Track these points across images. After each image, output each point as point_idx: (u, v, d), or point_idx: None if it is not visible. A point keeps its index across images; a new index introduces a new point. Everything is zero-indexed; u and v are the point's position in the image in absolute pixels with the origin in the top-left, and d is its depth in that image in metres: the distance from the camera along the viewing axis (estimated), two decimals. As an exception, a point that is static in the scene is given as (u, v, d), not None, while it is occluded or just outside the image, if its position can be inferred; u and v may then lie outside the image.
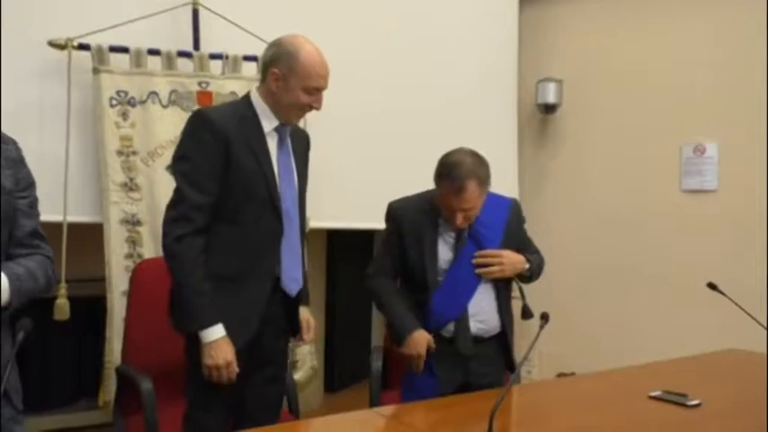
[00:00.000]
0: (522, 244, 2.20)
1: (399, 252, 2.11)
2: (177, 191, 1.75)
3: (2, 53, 2.52)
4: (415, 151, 3.28)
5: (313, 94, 1.79)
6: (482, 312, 2.06)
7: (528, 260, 2.12)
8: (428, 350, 1.98)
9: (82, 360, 3.29)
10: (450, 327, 2.04)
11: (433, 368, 2.01)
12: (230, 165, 1.73)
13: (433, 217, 2.07)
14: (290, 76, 1.75)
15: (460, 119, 3.42)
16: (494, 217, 2.12)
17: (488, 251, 2.04)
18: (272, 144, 1.82)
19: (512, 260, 2.07)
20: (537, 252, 2.24)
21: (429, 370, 2.01)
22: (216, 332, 1.70)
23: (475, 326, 2.05)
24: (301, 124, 2.95)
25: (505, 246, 2.10)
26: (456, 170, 1.94)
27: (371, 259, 2.27)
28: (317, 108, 1.84)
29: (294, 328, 1.96)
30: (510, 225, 2.15)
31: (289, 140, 1.88)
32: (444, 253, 2.06)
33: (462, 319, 2.03)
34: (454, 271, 2.05)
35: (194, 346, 1.73)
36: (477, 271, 2.03)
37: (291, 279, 1.85)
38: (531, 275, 2.15)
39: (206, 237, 1.73)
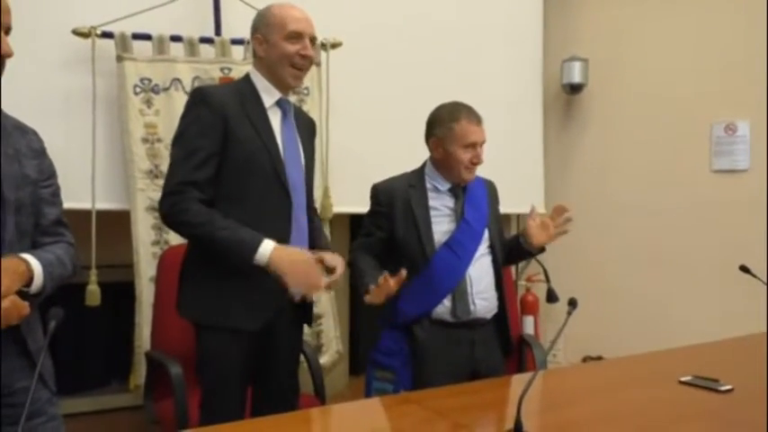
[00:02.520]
0: (501, 223, 2.22)
1: (385, 232, 2.08)
2: (171, 165, 1.71)
3: (26, 42, 2.54)
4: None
5: (296, 41, 1.76)
6: (484, 290, 2.05)
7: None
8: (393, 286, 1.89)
9: (113, 344, 3.35)
10: (447, 302, 2.01)
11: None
12: (230, 139, 1.69)
13: (423, 190, 2.07)
14: (268, 33, 1.76)
15: (485, 100, 3.31)
16: (478, 194, 2.13)
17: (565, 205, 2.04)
18: (274, 119, 1.79)
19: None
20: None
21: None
22: (268, 244, 1.63)
23: (479, 303, 2.02)
24: (322, 110, 2.98)
25: (492, 225, 2.11)
26: (461, 106, 2.04)
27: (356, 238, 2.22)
28: (309, 56, 1.79)
29: (306, 317, 1.94)
30: (491, 202, 2.16)
31: (293, 118, 1.85)
32: (439, 225, 2.05)
33: (460, 288, 2.01)
34: (457, 236, 2.02)
35: (205, 334, 1.72)
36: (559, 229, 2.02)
37: None
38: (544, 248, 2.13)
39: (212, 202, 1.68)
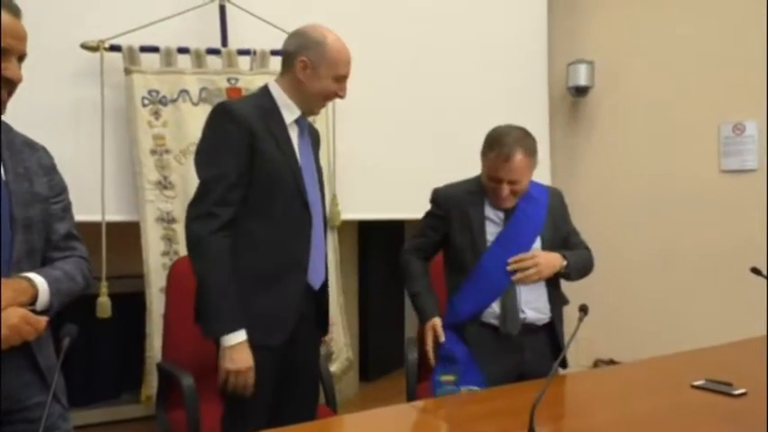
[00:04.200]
0: (569, 232, 2.18)
1: (439, 235, 2.13)
2: (201, 185, 1.68)
3: (35, 57, 2.57)
4: (445, 140, 3.27)
5: (341, 81, 1.78)
6: (534, 300, 2.04)
7: (564, 257, 2.06)
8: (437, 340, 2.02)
9: (124, 355, 3.37)
10: (496, 308, 2.01)
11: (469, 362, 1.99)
12: (256, 156, 1.68)
13: (480, 197, 2.07)
14: (319, 65, 1.74)
15: (490, 104, 3.37)
16: (532, 209, 2.09)
17: (521, 255, 2.00)
18: (293, 135, 1.79)
19: (547, 259, 2.02)
20: (585, 248, 2.19)
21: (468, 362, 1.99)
22: (239, 336, 1.64)
23: (529, 313, 2.02)
24: (329, 118, 2.99)
25: (546, 232, 2.08)
26: (503, 138, 1.95)
27: (410, 237, 2.28)
28: (342, 96, 1.82)
29: (323, 327, 1.95)
30: (551, 211, 2.12)
31: (308, 134, 1.85)
32: (492, 234, 2.05)
33: (509, 297, 2.00)
34: (505, 233, 2.03)
35: None
36: (514, 278, 1.99)
37: (314, 270, 1.80)
38: (569, 273, 2.07)
39: (232, 234, 1.67)
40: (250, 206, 1.70)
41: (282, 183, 1.72)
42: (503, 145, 1.94)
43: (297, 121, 1.80)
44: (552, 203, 2.14)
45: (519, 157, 1.93)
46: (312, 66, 1.74)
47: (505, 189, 1.97)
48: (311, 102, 1.79)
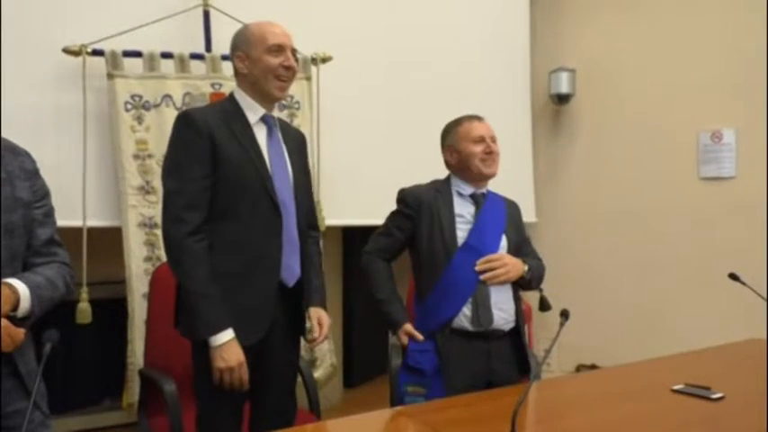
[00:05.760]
0: (524, 240, 2.22)
1: (405, 235, 2.12)
2: (166, 194, 1.72)
3: (17, 61, 2.55)
4: (428, 146, 3.27)
5: (278, 53, 1.79)
6: (501, 301, 2.05)
7: (525, 262, 2.10)
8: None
9: (105, 361, 3.33)
10: (467, 311, 2.01)
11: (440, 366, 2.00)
12: (218, 159, 1.71)
13: (449, 196, 2.11)
14: (250, 49, 1.79)
15: (474, 111, 3.39)
16: (497, 206, 2.16)
17: (490, 256, 2.03)
18: (260, 135, 1.80)
19: (513, 262, 2.06)
20: (538, 258, 2.22)
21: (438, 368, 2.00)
22: (226, 335, 1.66)
23: (497, 314, 2.03)
24: (313, 124, 2.99)
25: (510, 232, 2.13)
26: (463, 115, 2.15)
27: (371, 236, 2.22)
28: (291, 67, 1.81)
29: (301, 329, 1.93)
30: (510, 216, 2.18)
31: (279, 132, 1.86)
32: (462, 231, 2.07)
33: (480, 294, 2.01)
34: (471, 239, 2.05)
35: (202, 351, 1.70)
36: (483, 277, 2.01)
37: (286, 268, 1.80)
38: (530, 280, 2.11)
39: (207, 237, 1.70)
40: (217, 208, 1.72)
41: (247, 183, 1.73)
42: (466, 115, 2.14)
43: (265, 121, 1.82)
44: (509, 209, 2.20)
45: (486, 120, 2.14)
46: (246, 54, 1.80)
47: (492, 145, 2.09)
48: (264, 87, 1.80)
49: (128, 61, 2.73)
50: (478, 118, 2.15)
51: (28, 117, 2.55)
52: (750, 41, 3.44)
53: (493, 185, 2.21)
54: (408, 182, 2.22)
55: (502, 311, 2.04)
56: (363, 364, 4.21)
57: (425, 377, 1.97)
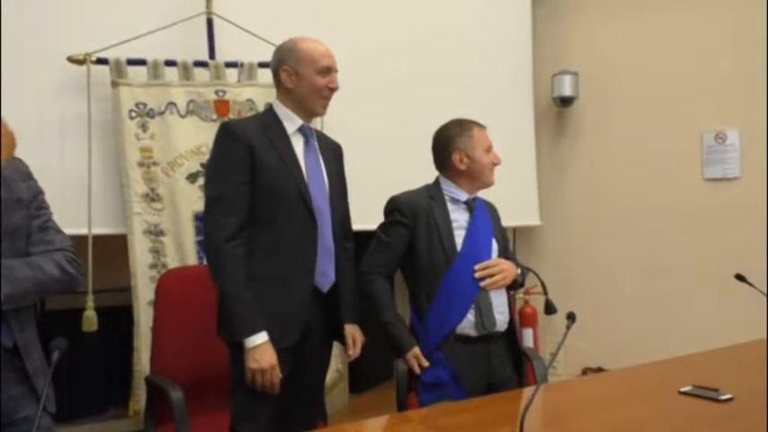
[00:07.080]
0: (507, 241, 2.26)
1: (404, 247, 2.08)
2: (207, 200, 1.79)
3: (23, 70, 2.56)
4: (428, 150, 3.28)
5: (326, 74, 1.87)
6: (500, 304, 2.08)
7: (517, 265, 2.15)
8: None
9: (111, 368, 3.33)
10: (470, 317, 2.02)
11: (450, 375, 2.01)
12: (257, 168, 1.77)
13: (442, 202, 2.11)
14: (299, 67, 1.85)
15: (476, 116, 3.38)
16: (483, 214, 2.17)
17: (487, 262, 2.05)
18: (297, 145, 1.87)
19: (509, 266, 2.09)
20: (516, 260, 2.24)
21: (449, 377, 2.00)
22: (260, 337, 1.72)
23: (497, 318, 2.06)
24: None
25: (497, 234, 2.16)
26: (464, 119, 2.15)
27: (366, 254, 2.16)
28: (335, 88, 1.89)
29: (337, 335, 1.97)
30: (493, 219, 2.20)
31: (315, 142, 1.92)
32: (459, 237, 2.08)
33: (483, 299, 2.03)
34: (471, 231, 2.06)
35: (239, 355, 1.73)
36: (483, 284, 2.02)
37: (321, 273, 1.85)
38: (522, 282, 2.17)
39: (245, 242, 1.76)
40: (255, 214, 1.78)
41: (284, 190, 1.80)
42: (471, 121, 2.13)
43: (302, 132, 1.89)
44: (491, 212, 2.22)
45: None
46: (293, 71, 1.86)
47: (497, 155, 2.12)
48: (307, 104, 1.88)
49: (132, 69, 2.75)
50: (484, 127, 2.16)
51: (32, 125, 2.56)
52: (754, 42, 3.43)
53: (496, 189, 2.21)
54: (411, 188, 2.22)
55: (501, 314, 2.08)
56: (369, 371, 4.19)
57: (446, 387, 1.98)
